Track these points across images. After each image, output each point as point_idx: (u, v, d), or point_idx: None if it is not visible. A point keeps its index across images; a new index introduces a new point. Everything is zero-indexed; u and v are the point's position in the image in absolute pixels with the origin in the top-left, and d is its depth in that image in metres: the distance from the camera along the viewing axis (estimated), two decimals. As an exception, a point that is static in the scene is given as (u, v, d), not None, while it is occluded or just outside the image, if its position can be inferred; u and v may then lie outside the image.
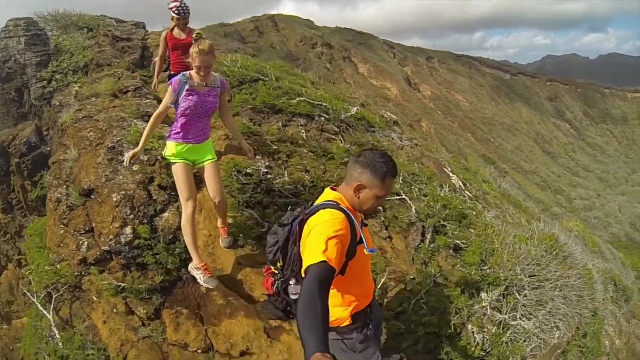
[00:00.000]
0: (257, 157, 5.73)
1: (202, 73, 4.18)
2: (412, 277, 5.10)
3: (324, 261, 2.14)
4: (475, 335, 4.73)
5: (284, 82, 8.54)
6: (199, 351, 4.18)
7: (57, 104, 7.70)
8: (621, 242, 49.22)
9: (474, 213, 6.97)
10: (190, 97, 4.21)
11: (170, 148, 4.34)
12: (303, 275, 2.19)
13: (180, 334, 4.21)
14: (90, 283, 4.53)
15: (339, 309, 2.65)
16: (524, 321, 4.98)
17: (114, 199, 4.82)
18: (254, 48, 48.46)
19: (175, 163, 4.32)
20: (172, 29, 6.54)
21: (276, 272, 2.73)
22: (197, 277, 4.24)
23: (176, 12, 6.32)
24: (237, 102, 7.27)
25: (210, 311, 4.37)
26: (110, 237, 4.58)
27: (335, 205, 2.50)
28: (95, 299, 4.48)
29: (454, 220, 6.26)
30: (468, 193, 8.08)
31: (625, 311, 9.26)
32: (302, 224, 2.52)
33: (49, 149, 8.75)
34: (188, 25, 6.61)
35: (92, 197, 4.99)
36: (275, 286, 2.74)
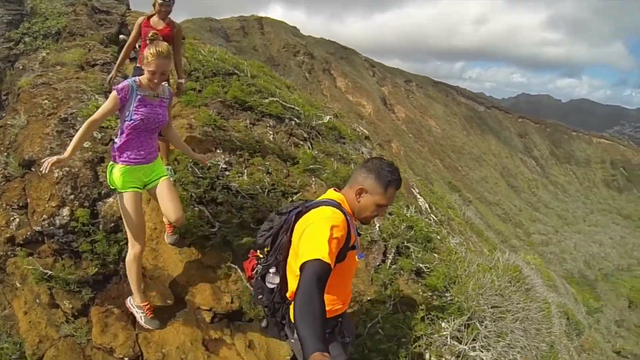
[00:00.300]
0: (210, 163, 5.28)
1: (156, 80, 3.54)
2: (369, 298, 4.87)
3: (323, 259, 2.10)
4: None
5: (259, 80, 8.30)
6: (126, 359, 3.73)
7: (21, 67, 7.21)
8: (574, 279, 51.24)
9: (439, 237, 6.85)
10: (141, 110, 3.56)
11: (118, 174, 3.62)
12: (299, 267, 2.14)
13: (107, 336, 3.75)
14: (16, 266, 4.03)
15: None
16: (482, 352, 4.80)
17: (55, 174, 4.38)
18: (237, 48, 48.23)
19: (123, 193, 3.63)
20: (150, 16, 5.53)
21: (261, 256, 2.72)
22: (138, 316, 3.80)
23: None
24: (207, 93, 6.98)
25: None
26: (44, 216, 4.13)
27: (337, 204, 2.46)
28: (18, 285, 3.98)
29: (419, 242, 6.11)
30: (434, 217, 7.98)
31: (577, 345, 9.45)
32: (298, 216, 2.48)
33: (4, 114, 8.26)
34: (170, 16, 5.62)
35: (33, 169, 4.54)
36: (255, 270, 2.73)
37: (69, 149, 3.37)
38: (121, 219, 4.02)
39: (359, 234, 2.79)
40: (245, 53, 45.90)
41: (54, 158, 3.27)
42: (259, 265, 2.71)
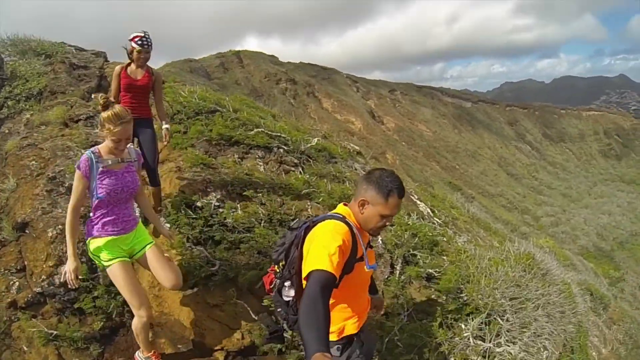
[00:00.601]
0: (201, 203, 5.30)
1: (121, 147, 3.33)
2: (382, 312, 4.80)
3: (326, 269, 2.14)
4: None
5: (242, 114, 8.36)
6: (142, 409, 3.67)
7: (6, 131, 7.23)
8: (590, 253, 50.98)
9: (445, 239, 6.86)
10: (106, 182, 3.31)
11: (97, 247, 3.43)
12: (304, 278, 2.23)
13: None
14: (21, 330, 3.96)
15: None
16: (509, 346, 4.75)
17: (50, 234, 4.36)
18: (220, 84, 48.56)
19: (110, 265, 3.42)
20: (128, 65, 5.21)
21: (277, 270, 2.75)
22: None
23: (139, 42, 5.02)
24: (192, 133, 7.02)
25: (157, 362, 3.88)
26: (43, 277, 4.10)
27: (341, 217, 2.49)
28: (25, 348, 3.91)
29: (425, 248, 6.09)
30: (437, 220, 7.94)
31: (605, 319, 9.36)
32: (307, 231, 2.51)
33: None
34: (148, 63, 5.30)
35: (27, 231, 4.51)
36: (273, 284, 2.76)
37: (69, 250, 3.26)
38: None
39: (371, 246, 2.78)
40: (228, 88, 46.27)
41: (70, 270, 3.24)
42: (276, 280, 2.74)
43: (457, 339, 4.65)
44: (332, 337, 2.58)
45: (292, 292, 2.60)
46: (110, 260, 3.41)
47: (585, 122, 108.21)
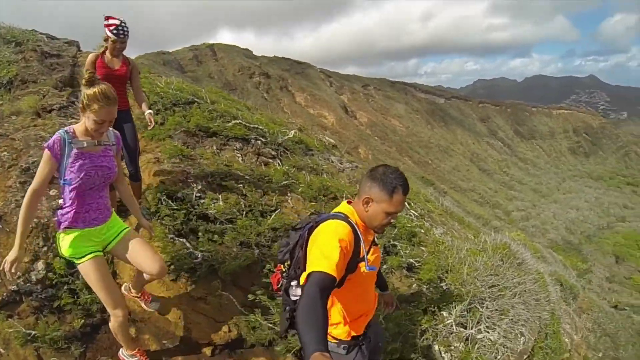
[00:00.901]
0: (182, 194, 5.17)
1: (102, 130, 3.03)
2: (392, 310, 4.82)
3: (326, 271, 2.13)
4: (443, 355, 4.57)
5: (219, 105, 8.27)
6: (127, 407, 3.54)
7: (-25, 122, 6.95)
8: (559, 246, 52.74)
9: (423, 231, 6.94)
10: (80, 165, 2.97)
11: (68, 243, 3.09)
12: (304, 280, 2.19)
13: None
14: None
15: (332, 326, 2.62)
16: (489, 333, 4.92)
17: (26, 227, 4.17)
18: (193, 77, 48.16)
19: (82, 263, 3.12)
20: (102, 53, 4.86)
21: (284, 270, 2.72)
22: None
23: (114, 31, 4.69)
24: (170, 124, 6.90)
25: (142, 359, 3.78)
26: (19, 273, 3.89)
27: (343, 217, 2.47)
28: (2, 350, 3.67)
29: (404, 239, 6.14)
30: (414, 212, 7.99)
31: (575, 308, 9.60)
32: (311, 231, 2.49)
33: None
34: (124, 52, 5.00)
35: (0, 226, 4.31)
36: (280, 284, 2.73)
37: (17, 236, 2.89)
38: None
39: (376, 244, 2.75)
40: (201, 81, 45.83)
41: (9, 261, 2.85)
42: (283, 279, 2.71)
43: (440, 326, 4.75)
44: (341, 336, 2.61)
45: (298, 291, 2.53)
46: (82, 256, 3.11)
47: (555, 120, 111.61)
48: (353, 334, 2.63)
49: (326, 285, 2.10)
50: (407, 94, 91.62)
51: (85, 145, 3.00)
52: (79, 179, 2.97)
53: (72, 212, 3.05)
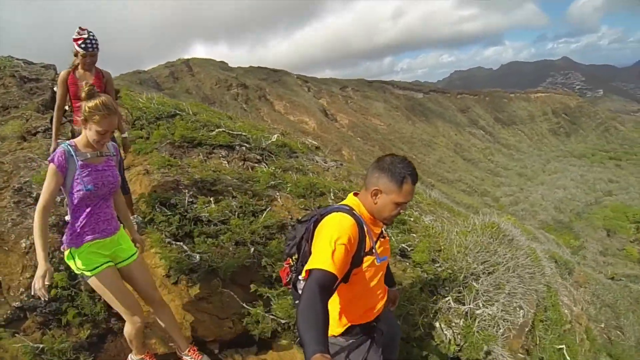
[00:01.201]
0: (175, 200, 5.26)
1: (104, 140, 3.06)
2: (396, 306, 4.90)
3: (327, 269, 2.09)
4: (445, 332, 4.65)
5: (201, 116, 8.36)
6: (140, 410, 3.58)
7: (-42, 151, 6.94)
8: (550, 226, 53.41)
9: (412, 219, 7.04)
10: (86, 176, 3.02)
11: (81, 256, 3.11)
12: (304, 275, 2.18)
13: None
14: (3, 350, 3.71)
15: (335, 321, 2.57)
16: (487, 308, 5.00)
17: (23, 245, 4.19)
18: (170, 94, 48.21)
19: (95, 274, 3.13)
20: (74, 69, 4.79)
21: (292, 264, 2.70)
22: None
23: (83, 45, 4.59)
24: (155, 137, 6.98)
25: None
26: (21, 289, 3.92)
27: (348, 210, 2.42)
28: None
29: (393, 226, 6.19)
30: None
31: (572, 282, 9.71)
32: (316, 223, 2.44)
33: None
34: (96, 65, 4.87)
35: (-3, 246, 4.33)
36: (289, 278, 2.71)
37: (39, 253, 2.83)
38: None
39: (384, 236, 2.67)
40: (179, 97, 45.43)
41: (39, 280, 2.77)
42: (292, 273, 2.69)
43: (439, 303, 4.86)
44: (338, 331, 2.59)
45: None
46: (95, 267, 3.12)
47: (533, 104, 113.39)
48: (353, 324, 2.59)
49: (326, 284, 2.07)
50: (385, 92, 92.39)
51: (88, 156, 3.05)
52: (86, 189, 3.01)
53: (82, 224, 3.08)
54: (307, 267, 2.17)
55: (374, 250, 2.41)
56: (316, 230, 2.40)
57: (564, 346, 5.74)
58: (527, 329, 5.45)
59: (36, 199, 4.79)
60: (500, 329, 4.88)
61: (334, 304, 2.54)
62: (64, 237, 3.12)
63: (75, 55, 4.71)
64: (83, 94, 2.98)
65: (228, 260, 4.55)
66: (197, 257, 4.53)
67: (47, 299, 3.07)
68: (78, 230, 3.08)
